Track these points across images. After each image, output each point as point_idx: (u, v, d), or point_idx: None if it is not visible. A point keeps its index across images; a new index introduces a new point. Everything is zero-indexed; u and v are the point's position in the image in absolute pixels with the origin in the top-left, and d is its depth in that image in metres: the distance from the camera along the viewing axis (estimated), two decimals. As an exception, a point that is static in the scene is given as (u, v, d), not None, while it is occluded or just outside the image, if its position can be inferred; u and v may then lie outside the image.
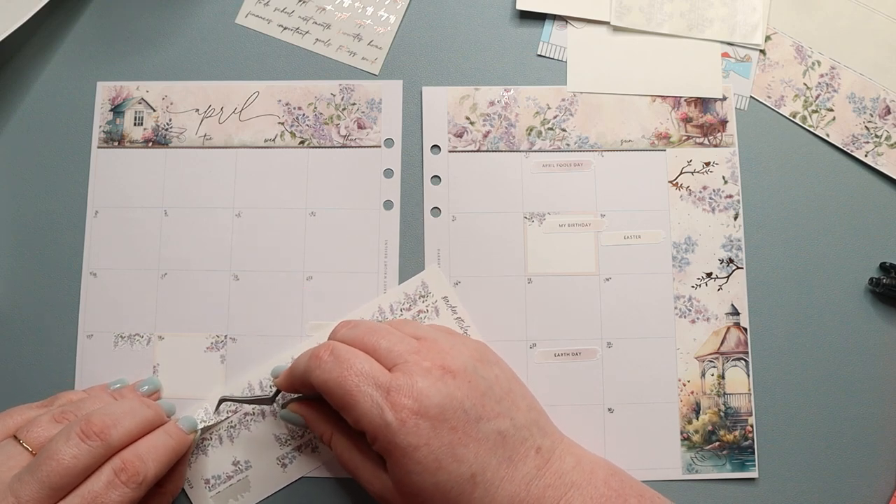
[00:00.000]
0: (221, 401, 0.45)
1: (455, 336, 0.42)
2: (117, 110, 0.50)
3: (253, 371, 0.47)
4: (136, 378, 0.47)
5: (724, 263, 0.48)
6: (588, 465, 0.40)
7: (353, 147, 0.49)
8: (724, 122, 0.50)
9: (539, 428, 0.40)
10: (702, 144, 0.50)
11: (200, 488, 0.45)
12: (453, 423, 0.37)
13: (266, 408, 0.46)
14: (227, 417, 0.46)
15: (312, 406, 0.43)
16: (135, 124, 0.50)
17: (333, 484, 0.46)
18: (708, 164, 0.49)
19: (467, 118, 0.50)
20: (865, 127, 0.50)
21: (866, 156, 0.50)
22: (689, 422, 0.47)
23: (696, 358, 0.47)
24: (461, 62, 0.51)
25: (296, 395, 0.44)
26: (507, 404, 0.39)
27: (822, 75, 0.51)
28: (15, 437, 0.38)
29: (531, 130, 0.50)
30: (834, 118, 0.50)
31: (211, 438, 0.46)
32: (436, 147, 0.50)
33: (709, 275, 0.48)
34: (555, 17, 0.52)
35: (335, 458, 0.42)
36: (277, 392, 0.44)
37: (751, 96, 0.51)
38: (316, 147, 0.49)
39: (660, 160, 0.49)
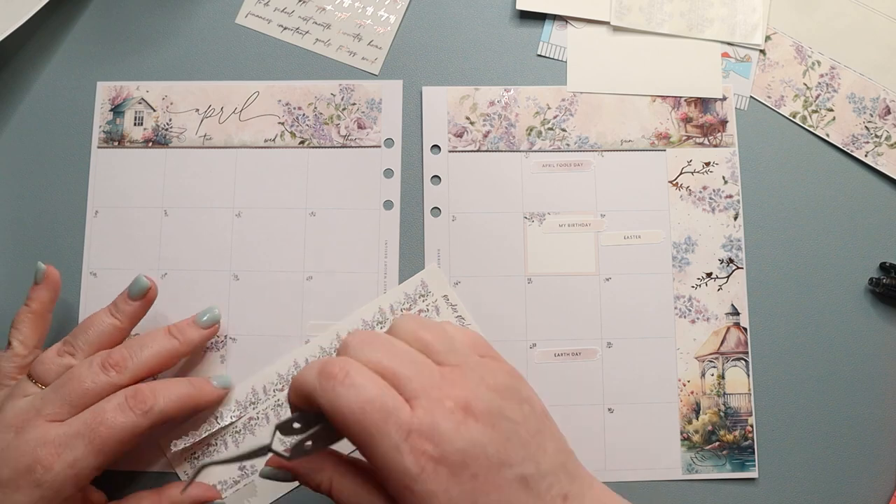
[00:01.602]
0: (202, 466, 0.37)
1: (486, 360, 0.38)
2: (117, 110, 0.50)
3: (257, 375, 0.47)
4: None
5: (724, 263, 0.48)
6: None
7: (353, 147, 0.49)
8: (724, 122, 0.50)
9: (567, 473, 0.37)
10: (702, 144, 0.50)
11: None
12: (474, 470, 0.34)
13: (269, 413, 0.46)
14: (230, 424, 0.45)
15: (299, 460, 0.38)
16: (135, 124, 0.50)
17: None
18: (708, 164, 0.49)
19: (467, 118, 0.50)
20: (865, 127, 0.50)
21: (866, 156, 0.50)
22: (689, 422, 0.47)
23: (696, 358, 0.47)
24: (461, 62, 0.51)
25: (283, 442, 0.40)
26: (532, 448, 0.36)
27: (822, 75, 0.51)
28: (29, 376, 0.42)
29: (531, 130, 0.50)
30: (834, 118, 0.50)
31: (216, 444, 0.46)
32: (436, 147, 0.50)
33: (709, 275, 0.48)
34: (555, 17, 0.52)
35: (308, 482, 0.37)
36: (273, 432, 0.37)
37: (751, 96, 0.51)
38: (316, 147, 0.49)
39: (660, 160, 0.49)
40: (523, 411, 0.36)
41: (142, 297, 0.45)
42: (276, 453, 0.36)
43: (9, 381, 0.43)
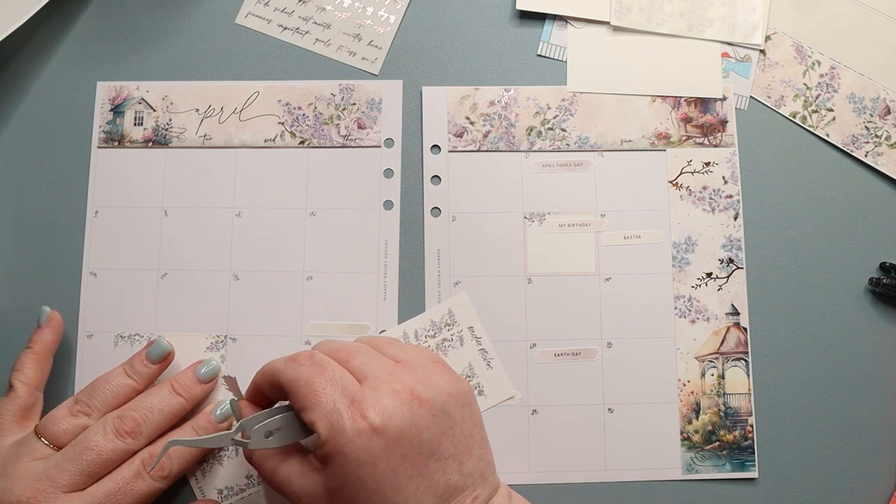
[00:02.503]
0: (170, 445, 0.40)
1: (438, 366, 0.41)
2: (117, 110, 0.50)
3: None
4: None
5: (724, 263, 0.48)
6: None
7: (353, 147, 0.49)
8: (724, 122, 0.50)
9: (483, 478, 0.39)
10: (702, 144, 0.50)
11: (213, 497, 0.45)
12: (405, 451, 0.36)
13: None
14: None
15: (248, 407, 0.41)
16: (135, 124, 0.50)
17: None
18: (708, 164, 0.49)
19: (467, 118, 0.50)
20: (865, 127, 0.50)
21: (866, 156, 0.50)
22: (689, 422, 0.47)
23: (696, 358, 0.47)
24: (461, 62, 0.51)
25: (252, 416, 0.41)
26: (461, 448, 0.38)
27: (822, 75, 0.51)
28: (35, 433, 0.42)
29: (531, 130, 0.50)
30: (834, 118, 0.50)
31: (227, 450, 0.46)
32: (436, 147, 0.50)
33: (709, 275, 0.48)
34: (555, 17, 0.52)
35: (258, 465, 0.39)
36: (238, 430, 0.40)
37: (751, 96, 0.51)
38: (316, 147, 0.49)
39: (660, 160, 0.49)
40: (463, 414, 0.39)
41: (161, 360, 0.45)
42: (237, 442, 0.39)
43: (11, 424, 0.43)
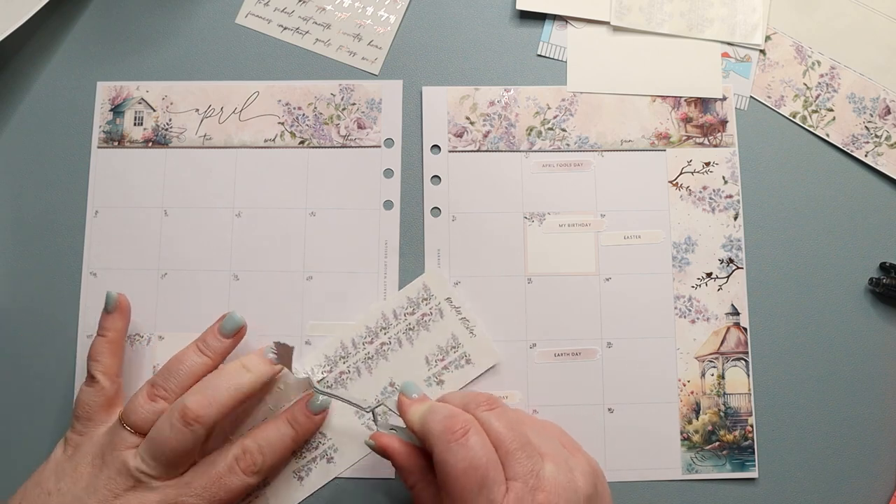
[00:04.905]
0: (318, 392, 0.44)
1: (574, 457, 0.40)
2: (117, 110, 0.50)
3: (345, 329, 0.46)
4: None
5: (724, 263, 0.48)
6: None
7: (353, 147, 0.49)
8: (724, 122, 0.50)
9: None
10: (702, 144, 0.50)
11: None
12: None
13: (360, 366, 0.46)
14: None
15: (405, 450, 0.42)
16: (135, 124, 0.50)
17: (350, 492, 0.46)
18: (708, 164, 0.49)
19: (467, 118, 0.50)
20: (865, 127, 0.50)
21: (866, 156, 0.50)
22: (689, 422, 0.47)
23: (696, 358, 0.47)
24: (461, 62, 0.51)
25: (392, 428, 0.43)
26: None
27: (822, 75, 0.51)
28: (120, 421, 0.42)
29: (531, 130, 0.50)
30: (834, 118, 0.50)
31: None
32: (436, 147, 0.50)
33: (709, 275, 0.48)
34: (555, 17, 0.52)
35: (412, 501, 0.41)
36: (377, 406, 0.43)
37: (751, 96, 0.51)
38: (316, 147, 0.49)
39: (660, 160, 0.49)
40: None
41: (235, 334, 0.45)
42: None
43: (100, 414, 0.43)
